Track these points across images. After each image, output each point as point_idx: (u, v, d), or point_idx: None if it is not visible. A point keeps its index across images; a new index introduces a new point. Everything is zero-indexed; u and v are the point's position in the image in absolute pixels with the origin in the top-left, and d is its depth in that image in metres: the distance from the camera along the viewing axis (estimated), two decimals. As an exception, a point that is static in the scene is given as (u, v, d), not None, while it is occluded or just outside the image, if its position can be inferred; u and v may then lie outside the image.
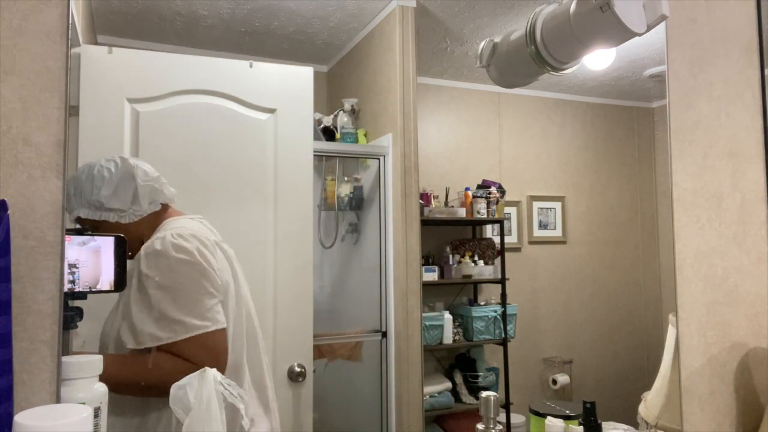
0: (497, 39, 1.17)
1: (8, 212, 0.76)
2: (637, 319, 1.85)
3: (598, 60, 1.67)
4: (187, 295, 1.03)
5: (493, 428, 0.99)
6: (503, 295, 1.86)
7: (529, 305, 1.89)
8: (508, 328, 1.84)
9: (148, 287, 1.02)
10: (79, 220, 1.07)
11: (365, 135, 1.78)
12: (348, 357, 1.58)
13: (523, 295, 1.88)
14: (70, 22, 0.86)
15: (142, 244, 1.07)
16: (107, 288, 0.98)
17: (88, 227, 1.05)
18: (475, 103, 1.90)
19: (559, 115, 1.95)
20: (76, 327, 0.91)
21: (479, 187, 1.88)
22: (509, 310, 1.85)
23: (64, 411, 0.65)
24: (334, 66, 1.78)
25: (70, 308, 0.90)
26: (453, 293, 1.88)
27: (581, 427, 1.21)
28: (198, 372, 0.76)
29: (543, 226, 1.94)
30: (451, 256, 1.84)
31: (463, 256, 1.86)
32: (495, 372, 1.84)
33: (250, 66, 1.40)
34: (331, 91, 1.78)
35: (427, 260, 1.81)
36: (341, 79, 1.81)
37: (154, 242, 1.06)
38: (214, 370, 0.77)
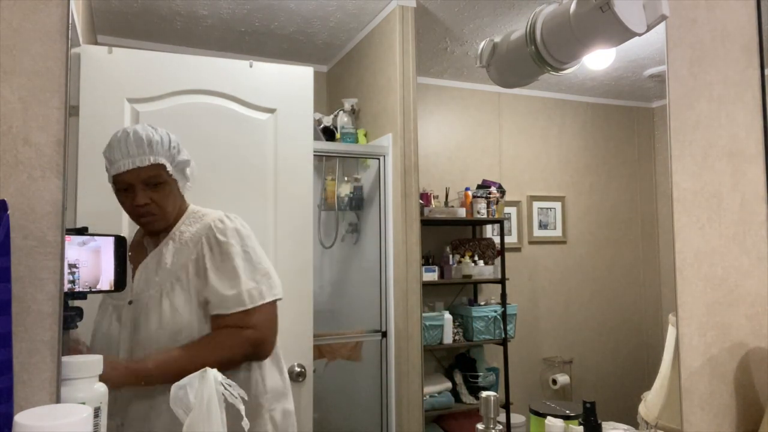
0: (497, 39, 1.17)
1: (8, 212, 0.76)
2: (637, 319, 1.85)
3: (598, 60, 1.67)
4: (263, 264, 1.16)
5: (493, 428, 0.99)
6: (503, 295, 1.86)
7: (529, 305, 1.89)
8: (508, 328, 1.84)
9: (233, 255, 1.13)
10: (139, 172, 1.08)
11: (365, 135, 1.78)
12: (348, 357, 1.59)
13: (523, 295, 1.88)
14: (70, 22, 0.86)
15: (169, 224, 1.14)
16: (107, 288, 0.98)
17: (155, 180, 1.09)
18: (475, 103, 1.90)
19: (559, 115, 1.95)
20: (76, 327, 0.91)
21: (479, 187, 1.88)
22: (509, 310, 1.85)
23: (64, 411, 0.65)
24: (334, 66, 1.78)
25: (70, 308, 0.90)
26: (453, 293, 1.88)
27: (581, 427, 1.21)
28: (198, 372, 0.76)
29: (543, 226, 1.94)
30: (451, 256, 1.84)
31: (463, 256, 1.86)
32: (495, 372, 1.84)
33: (250, 66, 1.40)
34: (331, 91, 1.78)
35: (427, 260, 1.81)
36: (341, 79, 1.81)
37: (217, 221, 1.15)
38: (215, 370, 0.78)
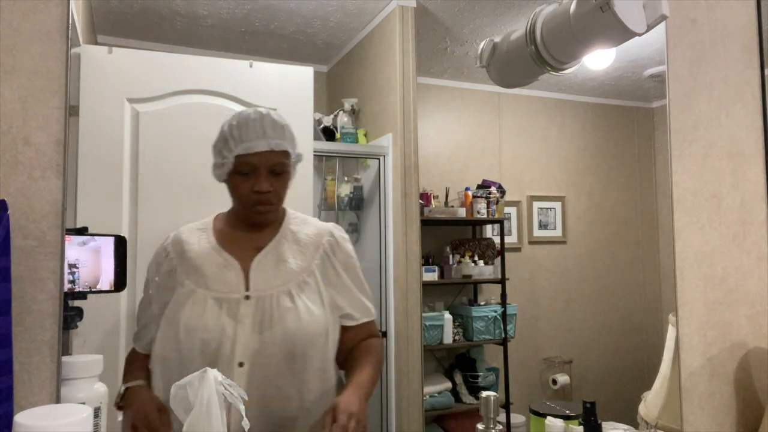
0: (497, 39, 1.17)
1: (8, 212, 0.76)
2: (637, 319, 1.85)
3: (598, 60, 1.67)
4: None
5: (493, 428, 0.99)
6: (503, 295, 1.86)
7: (529, 305, 1.89)
8: (508, 328, 1.84)
9: (357, 267, 1.13)
10: (269, 156, 1.01)
11: (365, 135, 1.78)
12: (348, 357, 1.58)
13: (523, 295, 1.88)
14: (70, 22, 0.86)
15: (277, 219, 1.10)
16: (107, 288, 0.98)
17: (280, 168, 1.03)
18: (475, 103, 1.90)
19: (559, 115, 1.95)
20: (76, 327, 0.91)
21: (479, 187, 1.88)
22: (509, 310, 1.85)
23: (64, 411, 0.65)
24: (334, 66, 1.78)
25: (70, 308, 0.90)
26: (453, 293, 1.88)
27: (581, 427, 1.21)
28: (199, 372, 0.76)
29: (543, 226, 1.94)
30: (451, 256, 1.84)
31: (463, 256, 1.86)
32: (495, 372, 1.84)
33: (250, 66, 1.40)
34: (331, 91, 1.78)
35: (427, 260, 1.81)
36: (341, 79, 1.81)
37: (337, 230, 1.13)
38: (215, 370, 0.78)
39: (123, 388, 0.98)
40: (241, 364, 0.97)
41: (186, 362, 0.95)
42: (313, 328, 1.01)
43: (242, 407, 0.75)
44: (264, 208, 1.04)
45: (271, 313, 0.99)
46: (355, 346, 1.09)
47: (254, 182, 1.01)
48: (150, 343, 1.04)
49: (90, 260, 0.95)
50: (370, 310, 1.13)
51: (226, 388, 0.75)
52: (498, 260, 1.88)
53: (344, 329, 1.09)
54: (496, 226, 1.91)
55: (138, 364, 1.04)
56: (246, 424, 0.75)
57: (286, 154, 1.03)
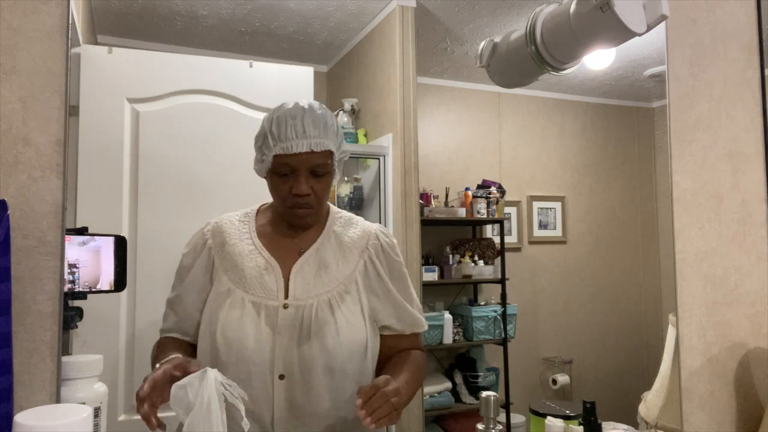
0: (497, 39, 1.17)
1: (8, 212, 0.76)
2: (637, 319, 1.85)
3: (598, 60, 1.67)
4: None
5: (493, 428, 0.99)
6: (503, 295, 1.86)
7: (529, 305, 1.89)
8: (508, 328, 1.84)
9: (406, 276, 1.05)
10: (309, 157, 0.93)
11: (365, 135, 1.78)
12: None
13: (523, 295, 1.88)
14: (70, 22, 0.86)
15: (319, 220, 1.03)
16: (107, 288, 0.98)
17: (322, 169, 0.95)
18: (475, 103, 1.90)
19: (559, 115, 1.95)
20: (76, 327, 0.91)
21: (479, 187, 1.88)
22: (509, 310, 1.85)
23: (64, 411, 0.65)
24: (334, 66, 1.78)
25: (70, 308, 0.90)
26: (453, 293, 1.88)
27: (581, 427, 1.21)
28: (198, 372, 0.76)
29: (543, 226, 1.94)
30: (451, 256, 1.84)
31: (463, 256, 1.86)
32: (495, 372, 1.84)
33: (250, 66, 1.40)
34: (331, 91, 1.78)
35: (427, 260, 1.81)
36: (341, 79, 1.81)
37: (383, 234, 1.06)
38: (215, 370, 0.77)
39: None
40: (281, 377, 0.91)
41: (222, 367, 0.86)
42: (352, 343, 0.94)
43: (242, 407, 0.75)
44: (303, 212, 0.97)
45: (309, 326, 0.92)
46: (393, 355, 1.02)
47: (293, 184, 0.94)
48: (178, 326, 0.98)
49: (90, 260, 0.95)
50: (418, 321, 1.04)
51: (226, 388, 0.75)
52: (498, 260, 1.88)
53: (384, 337, 1.01)
54: (496, 226, 1.91)
55: (169, 346, 0.95)
56: (246, 424, 0.74)
57: (328, 154, 0.96)
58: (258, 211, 1.06)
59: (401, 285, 1.04)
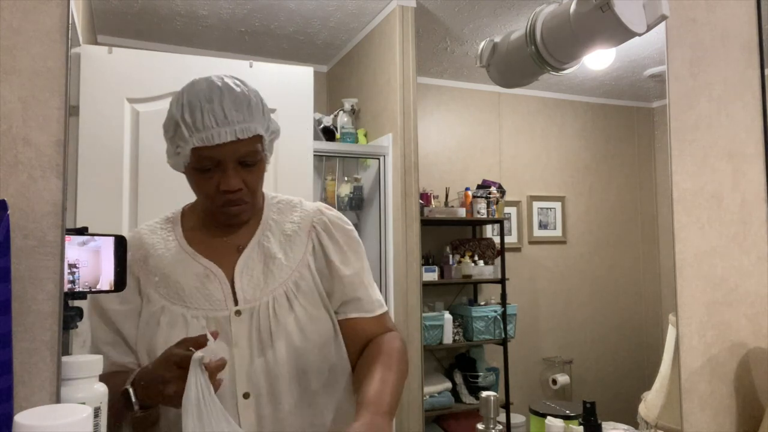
0: (497, 39, 1.17)
1: (8, 212, 0.76)
2: (637, 319, 1.85)
3: (598, 60, 1.67)
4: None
5: (493, 428, 0.99)
6: (503, 295, 1.86)
7: (529, 305, 1.89)
8: (508, 328, 1.84)
9: (358, 251, 0.92)
10: (236, 147, 0.79)
11: (365, 135, 1.78)
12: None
13: (523, 295, 1.88)
14: (70, 22, 0.86)
15: (253, 204, 0.89)
16: (107, 288, 0.98)
17: (252, 158, 0.82)
18: (475, 103, 1.90)
19: (559, 115, 1.95)
20: (76, 327, 0.91)
21: (479, 187, 1.88)
22: (509, 310, 1.85)
23: (64, 411, 0.65)
24: (334, 66, 1.78)
25: (70, 308, 0.90)
26: (453, 293, 1.88)
27: (581, 427, 1.21)
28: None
29: (543, 226, 1.94)
30: (451, 256, 1.85)
31: (463, 256, 1.86)
32: (495, 372, 1.84)
33: (250, 66, 1.40)
34: (331, 91, 1.78)
35: (427, 260, 1.81)
36: (341, 79, 1.81)
37: (326, 209, 0.94)
38: (197, 351, 0.71)
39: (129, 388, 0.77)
40: (246, 395, 0.80)
41: None
42: (320, 336, 0.84)
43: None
44: (236, 209, 0.84)
45: (269, 328, 0.82)
46: (366, 347, 0.89)
47: (220, 179, 0.81)
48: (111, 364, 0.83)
49: (90, 260, 0.95)
50: (380, 301, 0.93)
51: (206, 359, 0.71)
52: (498, 260, 1.88)
53: (349, 325, 0.89)
54: (496, 226, 1.91)
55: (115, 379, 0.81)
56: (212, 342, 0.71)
57: (257, 138, 0.82)
58: (183, 213, 0.94)
59: (354, 258, 0.91)
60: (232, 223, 0.88)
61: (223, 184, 0.81)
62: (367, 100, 1.78)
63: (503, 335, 1.83)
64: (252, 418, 0.80)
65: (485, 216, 1.86)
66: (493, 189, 1.87)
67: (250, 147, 0.81)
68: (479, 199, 1.85)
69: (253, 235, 0.89)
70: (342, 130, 1.73)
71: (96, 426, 0.82)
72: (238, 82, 0.83)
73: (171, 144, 0.85)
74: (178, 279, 0.84)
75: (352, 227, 0.94)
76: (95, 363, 0.87)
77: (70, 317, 0.88)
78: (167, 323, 0.82)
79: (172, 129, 0.83)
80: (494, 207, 1.87)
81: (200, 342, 0.72)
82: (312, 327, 0.84)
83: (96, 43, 1.37)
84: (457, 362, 1.87)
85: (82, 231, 0.94)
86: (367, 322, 0.90)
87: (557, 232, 1.95)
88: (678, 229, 1.30)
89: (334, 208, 1.03)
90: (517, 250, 1.91)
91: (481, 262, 1.88)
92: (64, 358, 0.83)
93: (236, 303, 0.84)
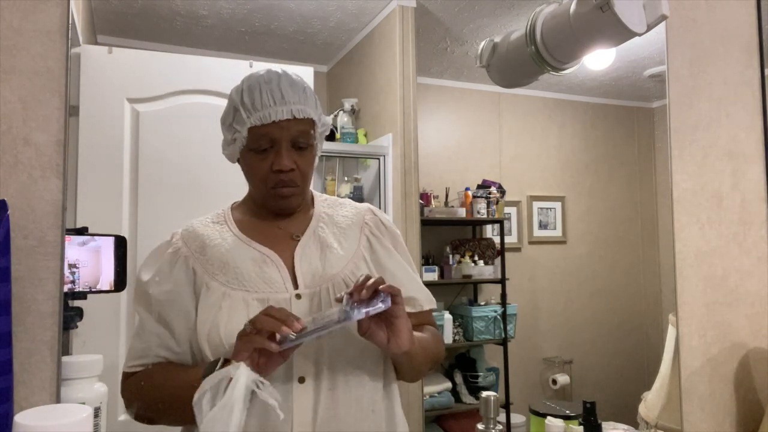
0: (497, 39, 1.17)
1: (8, 212, 0.76)
2: (637, 319, 1.85)
3: (598, 60, 1.67)
4: None
5: (493, 428, 0.99)
6: (503, 295, 1.86)
7: (529, 305, 1.89)
8: (508, 328, 1.84)
9: (407, 251, 0.96)
10: (290, 126, 0.82)
11: (365, 135, 1.78)
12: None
13: (523, 295, 1.88)
14: (70, 22, 0.86)
15: (304, 203, 0.93)
16: (107, 288, 0.98)
17: (305, 140, 0.84)
18: (475, 103, 1.90)
19: (559, 115, 1.95)
20: (76, 327, 0.91)
21: (479, 187, 1.88)
22: (509, 310, 1.85)
23: (64, 411, 0.65)
24: (334, 66, 1.78)
25: (70, 308, 0.90)
26: (453, 293, 1.88)
27: (581, 427, 1.21)
28: (228, 369, 0.69)
29: (543, 226, 1.94)
30: (451, 256, 1.85)
31: (463, 256, 1.86)
32: (495, 372, 1.84)
33: (250, 66, 1.40)
34: (331, 91, 1.78)
35: (427, 260, 1.81)
36: (341, 79, 1.81)
37: (375, 209, 0.98)
38: (247, 367, 0.69)
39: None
40: (302, 380, 0.79)
41: None
42: None
43: (276, 404, 0.70)
44: (288, 190, 0.85)
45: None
46: None
47: (274, 159, 0.82)
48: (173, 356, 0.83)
49: (90, 260, 0.95)
50: (429, 296, 0.95)
51: (261, 387, 0.70)
52: (498, 260, 1.88)
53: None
54: (496, 226, 1.91)
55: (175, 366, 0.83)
56: (280, 414, 0.69)
57: (311, 122, 0.84)
58: (232, 209, 0.95)
59: (407, 258, 0.95)
60: (283, 207, 0.89)
61: (276, 164, 0.82)
62: (367, 100, 1.78)
63: (503, 335, 1.83)
64: (306, 403, 0.80)
65: (485, 216, 1.86)
66: (493, 189, 1.87)
67: (304, 127, 0.84)
68: (479, 199, 1.86)
69: (307, 225, 0.91)
70: (342, 130, 1.73)
71: (96, 426, 0.82)
72: (294, 74, 0.87)
73: (228, 132, 0.86)
74: (238, 265, 0.84)
75: (399, 232, 0.99)
76: (95, 363, 0.87)
77: (70, 317, 0.88)
78: (228, 307, 0.81)
79: (231, 115, 0.85)
80: (494, 207, 1.87)
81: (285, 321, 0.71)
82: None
83: (96, 43, 1.37)
84: (457, 362, 1.87)
85: (82, 231, 0.95)
86: (415, 317, 0.91)
87: (557, 232, 1.95)
88: (678, 229, 1.30)
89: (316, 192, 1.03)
90: (517, 250, 1.91)
91: (481, 262, 1.88)
92: (64, 358, 0.83)
93: (296, 287, 0.84)
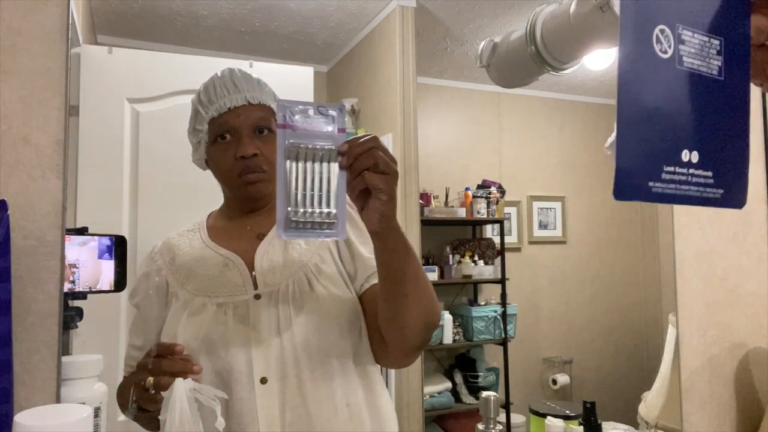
0: (497, 39, 1.17)
1: (8, 212, 0.76)
2: (637, 319, 1.85)
3: (598, 60, 1.67)
4: None
5: (493, 428, 0.99)
6: (503, 295, 1.86)
7: (529, 305, 1.89)
8: (508, 328, 1.84)
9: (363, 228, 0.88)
10: (248, 112, 0.85)
11: (365, 135, 1.78)
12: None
13: (523, 295, 1.88)
14: (70, 22, 0.86)
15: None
16: (107, 288, 0.98)
17: (266, 124, 0.86)
18: (475, 103, 1.90)
19: (559, 115, 1.95)
20: (76, 327, 0.91)
21: (479, 187, 1.88)
22: (509, 310, 1.85)
23: (64, 411, 0.65)
24: (334, 66, 1.78)
25: (70, 308, 0.90)
26: (453, 293, 1.88)
27: (581, 427, 1.21)
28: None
29: (543, 226, 1.94)
30: (451, 256, 1.85)
31: (463, 256, 1.86)
32: (495, 372, 1.84)
33: (250, 66, 1.40)
34: (331, 91, 1.78)
35: (427, 260, 1.81)
36: (341, 79, 1.81)
37: None
38: (187, 380, 0.70)
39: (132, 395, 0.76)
40: (263, 380, 0.78)
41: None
42: (341, 315, 0.83)
43: (218, 407, 0.71)
44: (255, 176, 0.85)
45: (288, 311, 0.81)
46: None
47: (236, 147, 0.84)
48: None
49: (90, 260, 0.95)
50: None
51: (199, 393, 0.71)
52: (498, 260, 1.88)
53: (372, 290, 0.85)
54: (496, 226, 1.91)
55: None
56: (221, 424, 0.71)
57: (269, 109, 0.88)
58: (208, 216, 0.97)
59: (366, 236, 0.86)
60: (253, 194, 0.88)
61: (239, 151, 0.84)
62: (367, 100, 1.78)
63: (503, 335, 1.83)
64: (271, 404, 0.78)
65: (485, 216, 1.86)
66: (493, 189, 1.87)
67: (263, 114, 0.87)
68: (479, 199, 1.86)
69: (274, 222, 0.88)
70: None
71: (96, 426, 0.82)
72: (249, 70, 0.91)
73: (193, 136, 0.89)
74: (202, 272, 0.86)
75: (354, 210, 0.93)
76: (95, 363, 0.87)
77: (70, 317, 0.88)
78: (188, 313, 0.82)
79: (193, 119, 0.88)
80: (494, 207, 1.87)
81: (173, 350, 0.74)
82: (334, 309, 0.83)
83: (96, 43, 1.37)
84: (457, 362, 1.87)
85: (82, 231, 0.95)
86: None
87: (557, 232, 1.95)
88: (678, 229, 1.30)
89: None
90: (517, 250, 1.91)
91: (481, 262, 1.88)
92: (64, 358, 0.83)
93: (255, 288, 0.83)
